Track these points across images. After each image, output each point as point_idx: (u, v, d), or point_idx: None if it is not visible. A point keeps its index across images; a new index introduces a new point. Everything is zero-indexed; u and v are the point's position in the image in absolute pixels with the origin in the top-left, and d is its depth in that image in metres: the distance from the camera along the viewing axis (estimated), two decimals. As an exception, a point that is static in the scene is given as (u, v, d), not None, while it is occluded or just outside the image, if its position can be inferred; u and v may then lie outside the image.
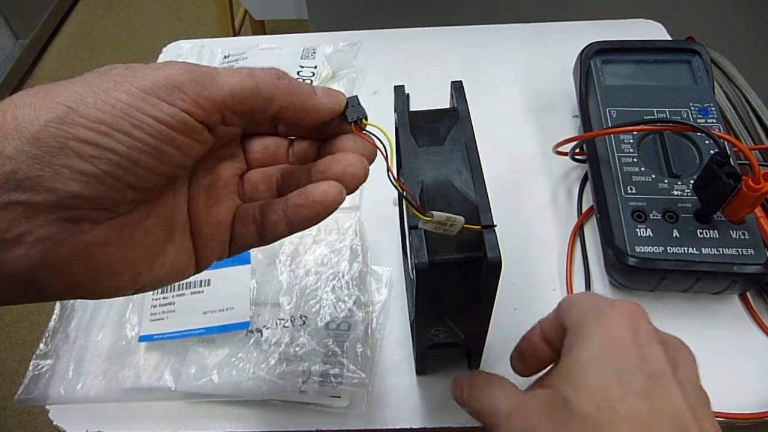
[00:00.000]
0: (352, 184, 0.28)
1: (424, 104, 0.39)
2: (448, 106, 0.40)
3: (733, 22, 0.84)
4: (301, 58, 0.69)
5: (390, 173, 0.29)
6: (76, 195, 0.21)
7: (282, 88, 0.26)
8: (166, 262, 0.27)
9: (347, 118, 0.29)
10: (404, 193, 0.29)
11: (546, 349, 0.32)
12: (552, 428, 0.26)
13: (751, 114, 0.57)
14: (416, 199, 0.30)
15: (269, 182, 0.30)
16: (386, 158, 0.28)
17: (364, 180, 0.28)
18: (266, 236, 0.29)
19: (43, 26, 2.01)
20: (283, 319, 0.47)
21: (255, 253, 0.50)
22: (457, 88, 0.39)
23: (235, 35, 1.55)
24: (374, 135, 0.29)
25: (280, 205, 0.28)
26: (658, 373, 0.25)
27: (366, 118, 0.29)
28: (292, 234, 0.29)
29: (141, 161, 0.23)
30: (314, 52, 0.70)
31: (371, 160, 0.29)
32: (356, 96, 0.29)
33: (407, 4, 0.96)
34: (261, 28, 1.54)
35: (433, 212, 0.29)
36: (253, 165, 0.31)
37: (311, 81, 0.67)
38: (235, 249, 0.30)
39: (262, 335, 0.46)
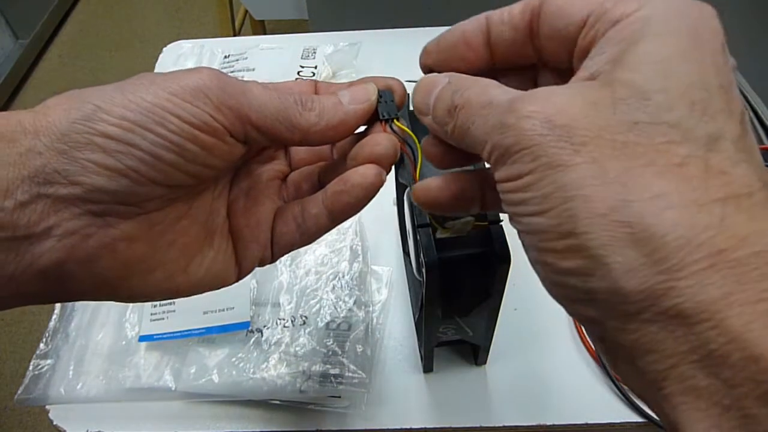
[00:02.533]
0: (385, 163, 0.27)
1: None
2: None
3: (732, 22, 0.84)
4: (301, 58, 0.69)
5: (414, 181, 0.28)
6: (101, 188, 0.22)
7: (304, 116, 0.26)
8: (203, 264, 0.27)
9: (378, 114, 0.28)
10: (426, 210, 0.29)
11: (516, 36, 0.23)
12: (606, 123, 0.18)
13: (751, 114, 0.57)
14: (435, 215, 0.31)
15: (311, 180, 0.30)
16: (414, 166, 0.28)
17: (395, 159, 0.28)
18: (308, 232, 0.29)
19: (43, 26, 2.00)
20: (283, 319, 0.47)
21: (255, 253, 0.50)
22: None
23: (235, 35, 1.55)
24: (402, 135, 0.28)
25: (320, 197, 0.28)
26: (730, 83, 0.19)
27: (397, 119, 0.28)
28: (334, 226, 0.29)
29: (164, 157, 0.23)
30: (314, 52, 0.70)
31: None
32: (390, 91, 0.28)
33: (407, 4, 0.96)
34: (261, 28, 1.54)
35: (452, 222, 0.30)
36: (298, 165, 0.31)
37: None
38: (277, 250, 0.29)
39: (262, 335, 0.46)
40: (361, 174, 0.27)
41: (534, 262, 0.20)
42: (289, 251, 0.30)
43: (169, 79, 0.23)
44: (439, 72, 0.25)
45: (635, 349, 0.17)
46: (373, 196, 0.27)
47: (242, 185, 0.29)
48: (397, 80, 0.29)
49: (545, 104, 0.18)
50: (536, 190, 0.18)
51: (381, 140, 0.27)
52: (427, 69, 0.26)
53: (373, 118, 0.28)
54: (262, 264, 0.29)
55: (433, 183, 0.25)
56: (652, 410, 0.18)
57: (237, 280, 0.29)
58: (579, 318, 0.19)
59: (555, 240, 0.18)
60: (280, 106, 0.25)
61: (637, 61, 0.18)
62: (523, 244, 0.20)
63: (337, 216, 0.28)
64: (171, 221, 0.25)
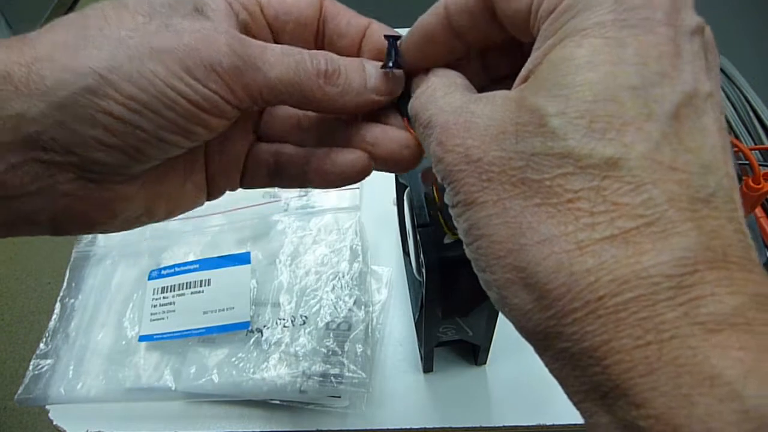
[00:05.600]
0: (400, 166, 0.25)
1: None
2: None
3: (733, 23, 0.84)
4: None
5: (435, 189, 0.28)
6: (99, 161, 0.21)
7: (323, 90, 0.23)
8: (183, 197, 0.27)
9: (400, 111, 0.25)
10: (440, 210, 0.29)
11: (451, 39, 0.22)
12: (508, 157, 0.17)
13: (751, 114, 0.57)
14: (448, 218, 0.30)
15: (289, 123, 0.28)
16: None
17: (413, 167, 0.25)
18: (280, 182, 0.28)
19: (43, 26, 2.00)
20: (283, 319, 0.47)
21: (255, 253, 0.50)
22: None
23: (235, 35, 1.54)
24: None
25: (300, 161, 0.26)
26: (696, 92, 0.16)
27: None
28: (306, 188, 0.28)
29: (167, 139, 0.22)
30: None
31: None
32: None
33: (407, 4, 0.96)
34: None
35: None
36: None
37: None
38: (246, 185, 0.28)
39: (262, 335, 0.46)
40: (350, 162, 0.25)
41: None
42: (258, 188, 0.29)
43: (180, 45, 0.21)
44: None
45: (557, 379, 0.17)
46: (355, 183, 0.26)
47: None
48: (402, 75, 0.27)
49: (466, 135, 0.18)
50: (459, 224, 0.19)
51: (410, 143, 0.25)
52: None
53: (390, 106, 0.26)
54: (231, 190, 0.29)
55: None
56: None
57: (206, 202, 0.28)
58: None
59: (477, 271, 0.19)
60: (297, 78, 0.23)
61: (543, 74, 0.17)
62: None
63: (314, 186, 0.27)
64: (160, 176, 0.25)
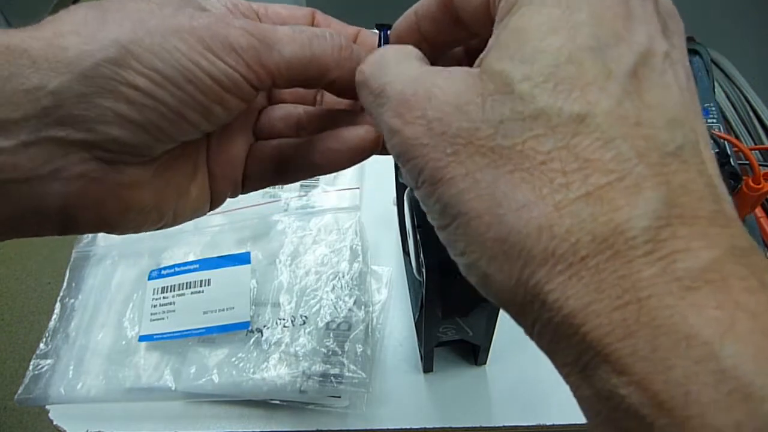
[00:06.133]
0: None
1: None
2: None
3: (733, 22, 0.84)
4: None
5: None
6: (116, 140, 0.21)
7: (341, 62, 0.24)
8: (189, 201, 0.26)
9: None
10: None
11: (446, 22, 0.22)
12: (475, 127, 0.17)
13: (751, 114, 0.57)
14: None
15: (288, 121, 0.28)
16: None
17: None
18: (284, 177, 0.28)
19: (43, 26, 2.01)
20: (283, 319, 0.47)
21: (255, 253, 0.50)
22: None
23: (235, 35, 1.54)
24: None
25: (304, 147, 0.27)
26: (652, 51, 0.17)
27: None
28: (312, 177, 0.28)
29: (188, 116, 0.22)
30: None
31: None
32: None
33: (407, 4, 0.96)
34: (261, 28, 1.54)
35: None
36: (276, 101, 0.30)
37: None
38: (249, 187, 0.29)
39: (262, 335, 0.46)
40: (360, 136, 0.25)
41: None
42: (262, 188, 0.29)
43: (198, 25, 0.21)
44: None
45: (546, 354, 0.17)
46: (363, 160, 0.26)
47: None
48: None
49: (427, 106, 0.18)
50: (430, 206, 0.18)
51: None
52: None
53: None
54: (232, 196, 0.29)
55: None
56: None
57: (210, 211, 0.28)
58: None
59: (456, 257, 0.18)
60: (311, 53, 0.23)
61: (505, 44, 0.17)
62: None
63: (319, 170, 0.27)
64: (170, 164, 0.25)
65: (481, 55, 0.18)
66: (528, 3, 0.17)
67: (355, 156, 0.26)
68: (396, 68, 0.20)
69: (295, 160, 0.27)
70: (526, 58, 0.16)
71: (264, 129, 0.29)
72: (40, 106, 0.19)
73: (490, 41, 0.18)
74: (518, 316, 0.17)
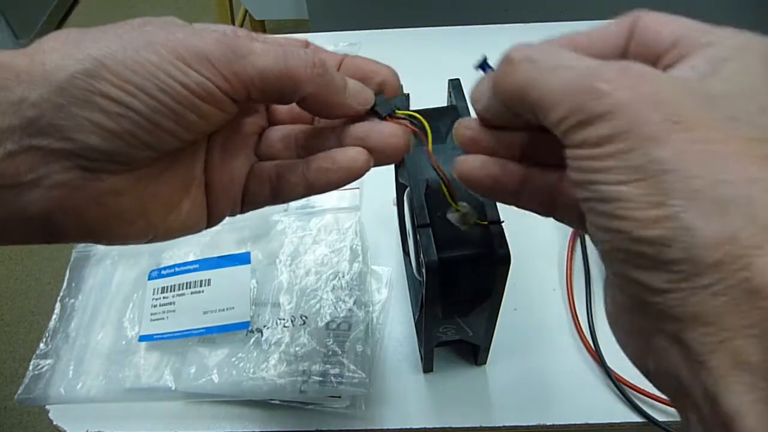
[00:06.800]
0: (394, 156, 0.27)
1: (424, 104, 0.38)
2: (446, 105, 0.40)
3: (732, 23, 0.84)
4: (301, 58, 0.69)
5: (431, 158, 0.29)
6: (94, 148, 0.22)
7: (313, 79, 0.25)
8: (180, 214, 0.27)
9: (379, 114, 0.28)
10: (444, 181, 0.29)
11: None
12: (705, 118, 0.18)
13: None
14: (452, 186, 0.30)
15: (287, 141, 0.30)
16: (426, 141, 0.28)
17: (405, 153, 0.28)
18: (281, 197, 0.29)
19: (43, 26, 2.00)
20: (283, 319, 0.47)
21: (255, 253, 0.50)
22: (455, 86, 0.39)
23: (235, 35, 1.54)
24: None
25: (300, 167, 0.28)
26: None
27: (397, 109, 0.28)
28: (308, 196, 0.29)
29: (162, 124, 0.23)
30: (314, 52, 0.69)
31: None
32: (381, 95, 0.28)
33: (407, 4, 0.96)
34: (261, 28, 1.54)
35: (463, 203, 0.30)
36: (275, 122, 0.31)
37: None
38: (248, 206, 0.30)
39: (262, 335, 0.46)
40: (351, 158, 0.27)
41: (602, 229, 0.19)
42: (260, 208, 0.30)
43: (172, 39, 0.23)
44: None
45: (692, 320, 0.17)
46: (356, 179, 0.27)
47: (220, 136, 0.29)
48: (390, 71, 0.29)
49: (644, 79, 0.19)
50: (626, 160, 0.18)
51: (398, 132, 0.27)
52: None
53: (369, 113, 0.28)
54: (231, 215, 0.30)
55: (476, 159, 0.25)
56: (671, 392, 0.19)
57: (206, 228, 0.29)
58: (634, 285, 0.19)
59: (641, 209, 0.18)
60: (285, 64, 0.24)
61: (727, 75, 0.19)
62: (588, 212, 0.20)
63: (315, 190, 0.28)
64: (156, 174, 0.25)
65: (699, 74, 0.20)
66: (741, 58, 0.20)
67: (348, 177, 0.27)
68: (569, 53, 0.21)
69: (292, 177, 0.28)
70: (748, 87, 0.19)
71: (264, 149, 0.30)
72: (24, 117, 0.21)
73: (696, 70, 0.20)
74: (696, 275, 0.17)
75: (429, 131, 0.28)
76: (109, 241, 0.25)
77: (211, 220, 0.29)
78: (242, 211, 0.30)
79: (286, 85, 0.25)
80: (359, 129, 0.27)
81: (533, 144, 0.25)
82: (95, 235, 0.25)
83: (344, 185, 0.27)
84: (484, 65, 0.26)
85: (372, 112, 0.28)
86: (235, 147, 0.29)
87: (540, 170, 0.25)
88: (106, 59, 0.21)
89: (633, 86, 0.18)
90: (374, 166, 0.28)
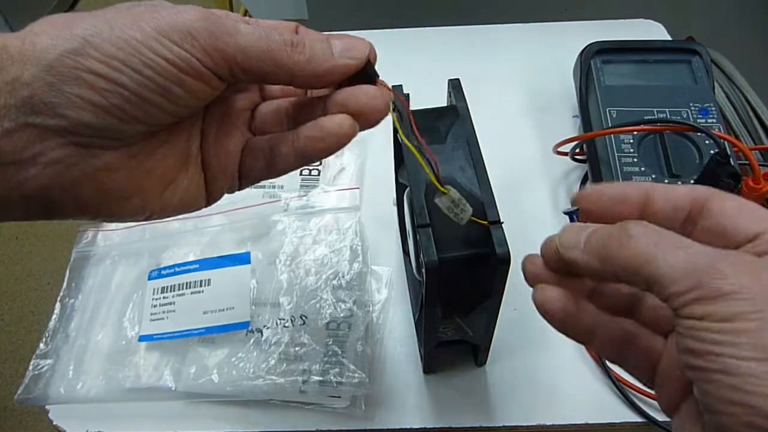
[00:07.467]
0: (373, 118, 0.28)
1: (424, 104, 0.39)
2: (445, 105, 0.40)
3: (733, 22, 0.84)
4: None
5: (414, 135, 0.29)
6: (86, 123, 0.23)
7: (294, 56, 0.26)
8: (177, 191, 0.28)
9: (370, 78, 0.28)
10: (428, 160, 0.29)
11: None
12: None
13: (751, 114, 0.57)
14: (438, 167, 0.30)
15: (279, 115, 0.31)
16: (406, 105, 0.29)
17: (385, 116, 0.28)
18: (276, 169, 0.29)
19: (43, 26, 2.00)
20: (283, 319, 0.47)
21: (255, 253, 0.50)
22: (455, 86, 0.39)
23: (235, 35, 1.55)
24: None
25: (290, 138, 0.29)
26: None
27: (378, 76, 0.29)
28: (301, 166, 0.29)
29: (150, 99, 0.24)
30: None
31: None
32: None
33: (407, 3, 0.96)
34: (261, 28, 1.54)
35: (450, 187, 0.30)
36: (268, 97, 0.31)
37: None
38: (245, 181, 0.30)
39: (262, 335, 0.46)
40: (338, 123, 0.27)
41: (728, 402, 0.19)
42: (257, 182, 0.31)
43: (157, 17, 0.24)
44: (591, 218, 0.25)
45: None
46: (345, 145, 0.28)
47: (215, 113, 0.29)
48: (367, 42, 0.29)
49: (761, 267, 0.20)
50: (756, 338, 0.19)
51: (376, 94, 0.28)
52: (585, 213, 0.26)
53: (359, 78, 0.28)
54: (230, 192, 0.30)
55: (554, 289, 0.26)
56: None
57: (206, 206, 0.30)
58: None
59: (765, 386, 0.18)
60: (267, 46, 0.25)
61: None
62: (705, 381, 0.20)
63: (306, 159, 0.29)
64: (150, 151, 0.26)
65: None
66: None
67: (336, 143, 0.28)
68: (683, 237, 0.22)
69: (284, 151, 0.29)
70: None
71: (258, 125, 0.31)
72: (19, 96, 0.22)
73: None
74: None
75: (412, 120, 0.29)
76: (107, 216, 0.26)
77: (210, 197, 0.30)
78: (240, 187, 0.30)
79: (267, 65, 0.25)
80: (340, 95, 0.28)
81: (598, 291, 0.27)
82: (92, 211, 0.26)
83: (333, 152, 0.28)
84: (572, 213, 0.27)
85: (364, 75, 0.28)
86: (229, 123, 0.29)
87: (610, 317, 0.26)
88: (93, 38, 0.22)
89: (753, 273, 0.19)
90: (360, 130, 0.28)
